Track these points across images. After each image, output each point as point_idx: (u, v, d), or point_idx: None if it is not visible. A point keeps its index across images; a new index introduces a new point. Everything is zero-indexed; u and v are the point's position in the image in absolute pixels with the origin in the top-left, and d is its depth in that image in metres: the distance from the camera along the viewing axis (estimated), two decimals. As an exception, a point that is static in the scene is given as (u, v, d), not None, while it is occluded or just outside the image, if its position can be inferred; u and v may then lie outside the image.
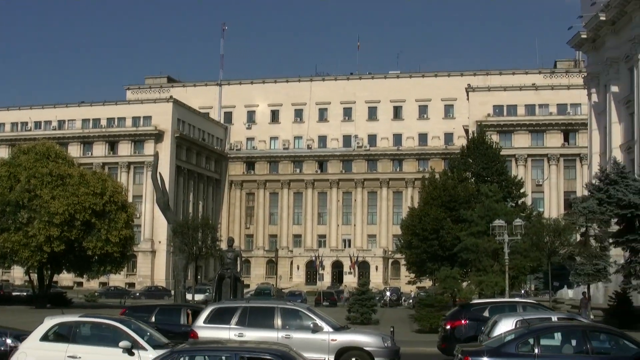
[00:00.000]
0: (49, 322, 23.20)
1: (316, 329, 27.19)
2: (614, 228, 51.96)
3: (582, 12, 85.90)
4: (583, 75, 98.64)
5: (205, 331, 27.16)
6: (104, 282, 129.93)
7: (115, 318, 24.17)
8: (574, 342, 22.89)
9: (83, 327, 23.22)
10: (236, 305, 29.52)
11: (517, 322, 28.37)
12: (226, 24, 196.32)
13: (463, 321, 28.75)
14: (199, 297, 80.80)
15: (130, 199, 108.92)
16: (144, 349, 21.89)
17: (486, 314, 33.88)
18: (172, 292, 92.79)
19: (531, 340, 22.70)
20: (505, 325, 28.03)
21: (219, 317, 28.15)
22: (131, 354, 21.72)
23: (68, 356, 21.99)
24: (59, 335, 22.92)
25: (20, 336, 26.06)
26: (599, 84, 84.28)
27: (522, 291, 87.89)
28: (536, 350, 22.32)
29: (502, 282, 49.75)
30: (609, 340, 23.23)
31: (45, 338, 22.70)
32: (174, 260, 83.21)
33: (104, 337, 22.75)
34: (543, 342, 22.52)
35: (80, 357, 21.97)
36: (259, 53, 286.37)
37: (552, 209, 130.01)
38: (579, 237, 60.47)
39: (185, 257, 71.02)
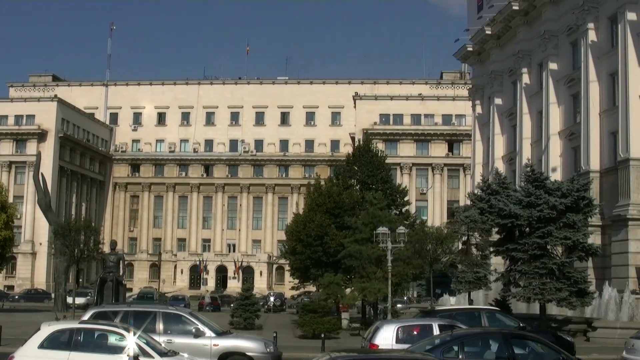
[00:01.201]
0: (47, 329, 22.08)
1: (198, 334, 26.97)
2: (495, 237, 52.81)
3: (469, 26, 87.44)
4: (468, 87, 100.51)
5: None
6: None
7: (117, 325, 23.26)
8: (495, 348, 23.29)
9: (84, 334, 22.08)
10: (117, 309, 29.13)
11: (398, 328, 28.72)
12: (114, 24, 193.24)
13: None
14: (80, 300, 79.28)
15: (10, 199, 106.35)
16: (150, 356, 21.26)
17: None
18: (53, 295, 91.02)
19: (455, 347, 23.01)
20: (387, 331, 28.37)
21: (100, 321, 27.63)
22: None
23: None
24: (58, 342, 21.76)
25: None
26: (484, 96, 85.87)
27: (405, 298, 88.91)
28: (460, 357, 22.62)
29: (385, 288, 50.08)
30: (530, 346, 23.67)
31: (43, 345, 21.54)
32: (55, 262, 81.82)
33: (107, 344, 21.88)
34: (467, 348, 22.79)
35: None
36: (147, 54, 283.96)
37: (436, 217, 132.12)
38: (460, 246, 61.43)
39: (67, 259, 69.99)
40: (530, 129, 72.80)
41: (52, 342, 21.72)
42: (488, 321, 34.45)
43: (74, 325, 22.78)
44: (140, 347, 21.31)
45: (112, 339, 21.82)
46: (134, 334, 22.09)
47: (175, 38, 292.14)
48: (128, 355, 21.02)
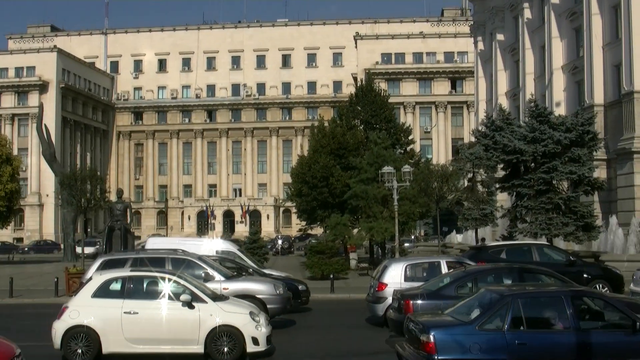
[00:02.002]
0: (100, 278, 22.15)
1: (207, 278, 27.02)
2: (500, 173, 52.92)
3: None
4: (469, 24, 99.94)
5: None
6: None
7: (168, 271, 23.43)
8: (508, 283, 23.30)
9: (136, 282, 22.21)
10: (126, 256, 29.24)
11: (406, 266, 28.85)
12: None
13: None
14: (89, 249, 79.59)
15: (15, 152, 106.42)
16: (204, 301, 21.37)
17: (503, 256, 34.46)
18: (62, 245, 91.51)
19: (469, 283, 23.24)
20: (395, 270, 28.47)
21: (110, 269, 27.61)
22: (191, 307, 21.17)
23: (124, 312, 21.12)
24: (112, 291, 21.89)
25: None
26: (485, 33, 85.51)
27: (412, 236, 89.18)
28: (474, 292, 22.77)
29: (392, 228, 50.28)
30: (543, 280, 23.77)
31: (97, 294, 21.62)
32: (63, 213, 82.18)
33: (159, 290, 21.89)
34: (481, 284, 22.92)
35: (137, 313, 21.16)
36: (145, 1, 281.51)
37: (440, 155, 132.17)
38: (466, 183, 61.54)
39: (74, 209, 70.06)
40: (533, 64, 72.57)
41: (105, 291, 21.81)
42: (538, 255, 34.60)
43: (126, 273, 22.82)
44: (192, 293, 21.46)
45: (164, 285, 21.88)
46: (187, 280, 22.31)
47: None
48: (182, 301, 21.22)
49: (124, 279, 22.22)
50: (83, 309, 21.38)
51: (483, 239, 57.07)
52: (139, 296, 21.76)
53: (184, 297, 21.23)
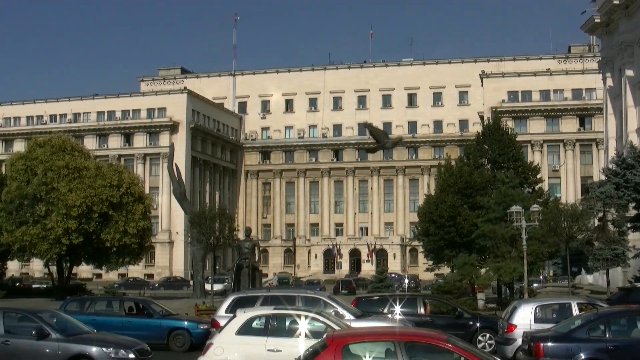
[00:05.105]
0: (244, 316, 22.51)
1: (338, 317, 27.19)
2: (632, 212, 51.95)
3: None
4: (597, 60, 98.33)
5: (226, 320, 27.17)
6: (122, 274, 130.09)
7: (310, 310, 23.55)
8: None
9: (280, 320, 22.49)
10: (257, 294, 29.58)
11: (535, 307, 28.53)
12: (238, 14, 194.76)
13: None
14: (217, 286, 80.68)
15: (146, 191, 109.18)
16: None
17: None
18: (191, 282, 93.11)
19: (602, 326, 22.80)
20: (525, 311, 28.20)
21: (241, 307, 27.90)
22: None
23: (268, 349, 21.27)
24: (255, 328, 22.18)
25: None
26: (614, 68, 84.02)
27: (540, 277, 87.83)
28: (607, 335, 22.41)
29: (520, 268, 49.72)
30: None
31: (241, 332, 21.91)
32: (192, 250, 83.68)
33: (302, 328, 21.90)
34: (613, 327, 22.63)
35: (281, 350, 21.19)
36: (272, 43, 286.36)
37: (569, 194, 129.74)
38: (596, 222, 60.41)
39: (203, 247, 71.47)
40: (665, 99, 71.08)
41: (248, 329, 22.03)
42: None
43: (269, 311, 22.96)
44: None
45: (306, 323, 21.90)
46: (327, 318, 22.36)
47: (299, 25, 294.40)
48: None
49: (268, 317, 22.35)
50: (227, 346, 21.54)
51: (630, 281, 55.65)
52: (281, 334, 21.85)
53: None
